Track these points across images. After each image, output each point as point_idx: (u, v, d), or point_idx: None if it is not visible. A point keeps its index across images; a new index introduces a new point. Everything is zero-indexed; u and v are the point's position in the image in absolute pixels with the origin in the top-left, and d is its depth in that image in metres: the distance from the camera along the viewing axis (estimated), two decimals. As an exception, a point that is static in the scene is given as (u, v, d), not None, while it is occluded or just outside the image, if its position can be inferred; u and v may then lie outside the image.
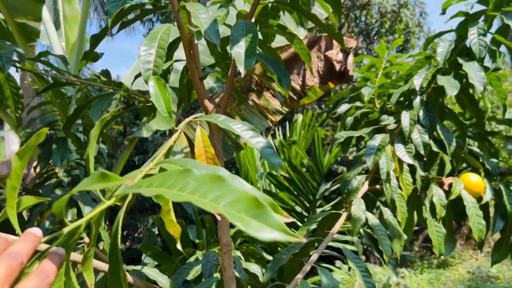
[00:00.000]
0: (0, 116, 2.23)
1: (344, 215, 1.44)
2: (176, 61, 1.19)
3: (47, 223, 1.77)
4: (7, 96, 1.45)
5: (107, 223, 2.32)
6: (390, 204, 1.44)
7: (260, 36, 1.66)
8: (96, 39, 1.06)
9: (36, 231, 0.47)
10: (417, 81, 1.51)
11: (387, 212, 1.43)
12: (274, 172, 3.24)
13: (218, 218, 0.81)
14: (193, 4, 1.01)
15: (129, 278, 1.03)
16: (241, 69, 0.90)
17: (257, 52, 1.16)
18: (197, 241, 2.36)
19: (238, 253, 2.23)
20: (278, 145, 3.31)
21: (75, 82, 1.20)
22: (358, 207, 1.39)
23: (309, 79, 2.02)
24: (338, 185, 1.78)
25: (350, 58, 1.89)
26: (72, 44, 2.66)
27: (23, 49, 2.17)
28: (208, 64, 2.18)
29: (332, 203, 2.43)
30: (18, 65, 1.38)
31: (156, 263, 2.71)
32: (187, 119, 0.76)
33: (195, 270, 1.71)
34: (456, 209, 1.67)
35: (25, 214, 2.12)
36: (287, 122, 4.33)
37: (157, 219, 2.68)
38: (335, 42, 1.96)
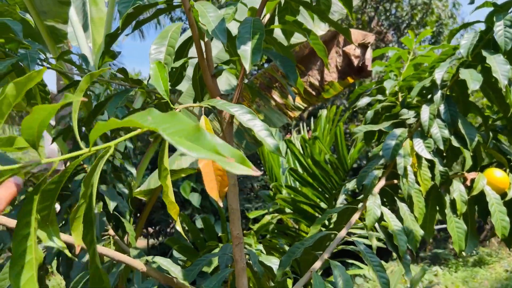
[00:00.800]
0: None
1: (360, 210, 1.43)
2: (189, 58, 1.21)
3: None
4: (34, 94, 1.52)
5: (133, 215, 2.39)
6: (407, 200, 1.42)
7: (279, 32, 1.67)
8: (111, 38, 1.10)
9: (16, 179, 0.48)
10: (438, 75, 1.48)
11: (403, 208, 1.41)
12: (299, 169, 3.25)
13: (220, 204, 0.83)
14: (202, 2, 1.03)
15: (143, 268, 1.06)
16: (247, 66, 0.92)
17: (267, 47, 1.17)
18: (220, 234, 2.40)
19: (260, 247, 2.26)
20: (300, 141, 3.31)
21: (94, 80, 1.25)
22: (373, 201, 1.38)
23: (328, 74, 2.02)
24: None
25: (369, 53, 1.87)
26: (98, 45, 2.74)
27: (52, 50, 2.26)
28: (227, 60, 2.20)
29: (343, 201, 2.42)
30: (46, 64, 1.44)
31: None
32: (186, 105, 0.79)
33: (215, 262, 1.74)
34: (480, 205, 1.62)
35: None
36: (312, 118, 4.31)
37: (184, 215, 2.74)
38: (353, 36, 1.94)
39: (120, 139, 0.56)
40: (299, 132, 6.33)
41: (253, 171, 0.48)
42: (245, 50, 0.94)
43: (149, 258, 1.30)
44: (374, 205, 1.37)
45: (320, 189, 3.06)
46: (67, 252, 0.53)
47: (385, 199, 1.58)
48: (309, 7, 1.10)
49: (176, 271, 1.08)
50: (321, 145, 3.13)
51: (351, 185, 1.98)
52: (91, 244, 0.51)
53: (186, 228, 2.66)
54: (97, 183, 0.50)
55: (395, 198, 1.46)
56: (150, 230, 9.23)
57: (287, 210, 3.17)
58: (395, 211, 1.49)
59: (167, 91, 0.73)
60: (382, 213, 1.38)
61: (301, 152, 3.10)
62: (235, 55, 1.29)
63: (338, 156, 2.96)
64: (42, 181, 0.48)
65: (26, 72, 1.34)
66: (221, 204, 0.87)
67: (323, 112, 3.53)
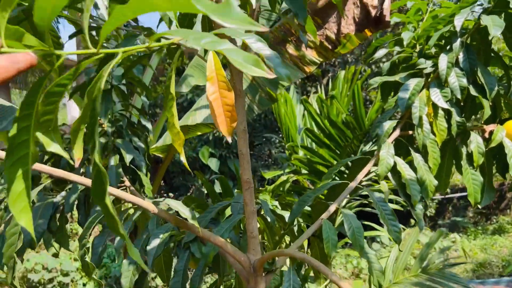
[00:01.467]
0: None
1: (374, 159, 1.42)
2: None
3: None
4: (46, 38, 1.53)
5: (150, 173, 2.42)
6: (422, 150, 1.39)
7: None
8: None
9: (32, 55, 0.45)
10: (458, 22, 1.42)
11: (417, 158, 1.39)
12: (315, 129, 3.22)
13: (229, 140, 0.83)
14: None
15: (154, 209, 1.08)
16: (253, 1, 0.89)
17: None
18: (236, 191, 2.43)
19: (276, 203, 2.28)
20: (317, 101, 3.27)
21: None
22: (387, 151, 1.36)
23: (344, 27, 1.96)
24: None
25: (387, 2, 1.80)
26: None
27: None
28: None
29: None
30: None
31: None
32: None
33: (228, 212, 1.77)
34: (499, 159, 1.59)
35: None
36: (330, 80, 4.24)
37: (200, 174, 2.77)
38: (372, -14, 1.87)
39: (131, 48, 0.55)
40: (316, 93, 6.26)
41: (268, 74, 0.48)
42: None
43: (161, 200, 1.32)
44: (387, 154, 1.35)
45: (336, 150, 3.04)
46: (69, 161, 0.54)
47: (399, 151, 1.55)
48: None
49: (186, 213, 1.09)
50: (338, 105, 3.08)
51: (368, 146, 1.96)
52: (93, 150, 0.51)
53: (205, 191, 2.70)
54: (101, 92, 0.50)
55: (410, 148, 1.43)
56: (171, 195, 9.43)
57: (303, 171, 3.18)
58: (410, 162, 1.47)
59: None
60: (395, 163, 1.36)
61: (318, 112, 3.07)
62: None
63: (355, 116, 2.92)
64: (48, 76, 0.48)
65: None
66: (229, 140, 0.86)
67: (341, 73, 3.46)
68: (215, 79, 0.80)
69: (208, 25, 1.21)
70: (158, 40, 0.58)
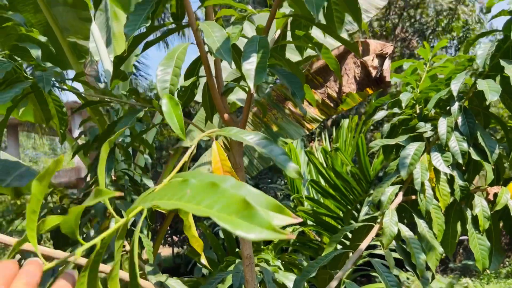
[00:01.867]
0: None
1: (377, 227, 1.40)
2: (199, 77, 1.22)
3: (92, 232, 1.88)
4: (53, 115, 1.57)
5: (154, 224, 2.40)
6: (425, 216, 1.38)
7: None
8: (119, 60, 1.12)
9: (38, 260, 0.50)
10: (455, 86, 1.44)
11: (421, 224, 1.37)
12: (321, 180, 3.21)
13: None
14: (208, 22, 1.04)
15: (152, 289, 1.07)
16: (251, 85, 0.91)
17: (274, 65, 1.17)
18: (237, 250, 2.40)
19: (278, 263, 2.24)
20: (321, 152, 3.27)
21: (107, 100, 1.28)
22: (390, 218, 1.35)
23: (345, 85, 1.99)
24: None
25: (387, 63, 1.84)
26: (116, 55, 2.79)
27: (74, 66, 2.32)
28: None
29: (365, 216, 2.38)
30: (63, 86, 1.48)
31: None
32: (201, 135, 0.79)
33: (229, 280, 1.73)
34: (506, 220, 1.56)
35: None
36: (334, 128, 4.26)
37: (204, 226, 2.75)
38: (371, 48, 1.91)
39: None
40: (322, 139, 6.28)
41: (294, 219, 0.47)
42: (249, 70, 0.94)
43: (164, 276, 1.31)
44: (391, 222, 1.33)
45: (342, 201, 3.01)
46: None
47: (403, 214, 1.54)
48: (317, 25, 1.09)
49: (185, 293, 1.07)
50: (343, 157, 3.08)
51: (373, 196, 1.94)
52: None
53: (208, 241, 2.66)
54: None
55: (413, 214, 1.41)
56: (175, 238, 9.31)
57: (309, 222, 3.14)
58: (414, 227, 1.45)
59: (182, 129, 0.73)
60: (399, 230, 1.35)
61: (323, 163, 3.06)
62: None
63: (360, 167, 2.91)
64: (89, 261, 0.50)
65: (43, 94, 1.38)
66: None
67: (345, 122, 3.48)
68: (221, 170, 0.81)
69: (210, 104, 1.24)
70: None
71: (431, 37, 7.56)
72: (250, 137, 0.76)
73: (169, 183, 0.47)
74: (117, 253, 0.60)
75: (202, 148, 7.58)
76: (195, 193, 0.40)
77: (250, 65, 0.94)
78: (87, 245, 0.55)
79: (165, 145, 8.55)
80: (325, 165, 3.00)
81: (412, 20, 7.58)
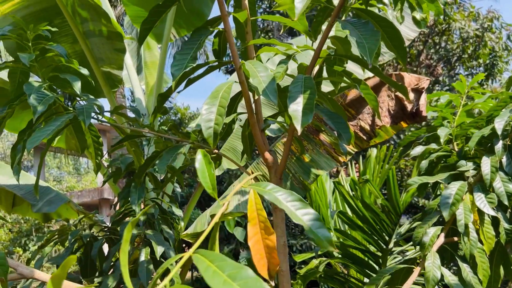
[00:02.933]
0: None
1: (417, 270, 1.34)
2: (239, 114, 1.21)
3: (122, 262, 1.86)
4: (89, 144, 1.58)
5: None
6: (470, 260, 1.32)
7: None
8: (163, 97, 1.12)
9: None
10: (499, 124, 1.39)
11: (466, 269, 1.31)
12: (348, 211, 3.15)
13: (272, 284, 0.80)
14: (252, 62, 1.03)
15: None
16: (298, 127, 0.90)
17: (317, 103, 1.15)
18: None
19: (307, 298, 2.17)
20: (350, 183, 3.22)
21: (145, 134, 1.28)
22: (432, 262, 1.29)
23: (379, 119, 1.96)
24: (416, 224, 1.68)
25: (423, 98, 1.80)
26: (151, 87, 2.84)
27: (107, 95, 2.36)
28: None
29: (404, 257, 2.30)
30: (100, 117, 1.50)
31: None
32: (234, 190, 0.77)
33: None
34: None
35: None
36: (361, 157, 4.20)
37: (226, 254, 2.71)
38: (406, 81, 1.88)
39: None
40: (348, 167, 6.20)
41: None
42: (296, 111, 0.92)
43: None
44: (433, 266, 1.28)
45: (370, 233, 2.93)
46: None
47: (443, 255, 1.48)
48: (358, 61, 1.07)
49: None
50: (372, 188, 3.02)
51: (403, 228, 1.87)
52: None
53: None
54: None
55: (456, 257, 1.35)
56: (195, 263, 9.23)
57: (336, 254, 3.06)
58: (456, 270, 1.39)
59: (215, 187, 0.71)
60: (442, 275, 1.29)
61: (350, 193, 3.01)
62: (284, 109, 1.28)
63: (390, 199, 2.84)
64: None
65: (82, 126, 1.40)
66: (272, 284, 0.83)
67: (373, 152, 3.43)
68: (257, 219, 0.78)
69: (249, 140, 1.22)
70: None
71: (456, 64, 7.48)
72: (284, 196, 0.72)
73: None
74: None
75: (225, 172, 7.58)
76: None
77: (296, 106, 0.93)
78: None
79: (188, 168, 8.59)
80: (353, 196, 2.95)
81: (437, 47, 7.52)
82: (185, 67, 0.97)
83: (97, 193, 10.91)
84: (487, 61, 7.25)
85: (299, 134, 0.90)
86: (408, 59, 8.01)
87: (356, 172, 4.63)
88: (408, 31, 2.64)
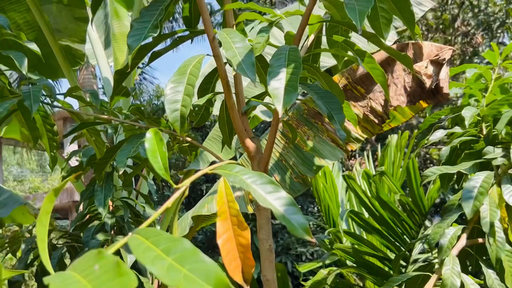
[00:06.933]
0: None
1: (434, 277, 1.37)
2: (216, 94, 1.23)
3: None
4: (41, 134, 1.60)
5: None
6: (496, 265, 1.34)
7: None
8: (120, 75, 1.14)
9: None
10: (532, 102, 1.41)
11: (491, 276, 1.34)
12: (364, 210, 3.18)
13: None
14: (227, 30, 1.05)
15: None
16: (279, 107, 0.92)
17: (307, 81, 1.17)
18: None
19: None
20: (363, 177, 3.24)
21: (105, 120, 1.30)
22: (451, 268, 1.32)
23: (393, 97, 1.97)
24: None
25: (444, 71, 1.81)
26: (121, 63, 2.85)
27: (67, 74, 2.37)
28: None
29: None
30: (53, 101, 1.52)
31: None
32: (193, 176, 0.79)
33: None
34: None
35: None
36: (379, 144, 4.22)
37: (221, 265, 2.75)
38: (425, 51, 1.89)
39: None
40: (364, 158, 6.21)
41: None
42: (277, 89, 0.94)
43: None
44: (452, 272, 1.30)
45: (390, 237, 2.96)
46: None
47: (467, 261, 1.50)
48: (357, 31, 1.09)
49: None
50: (390, 183, 3.04)
51: (429, 231, 1.89)
52: None
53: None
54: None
55: (480, 262, 1.38)
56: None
57: (348, 262, 3.10)
58: (481, 278, 1.42)
59: (166, 168, 0.73)
60: (462, 283, 1.31)
61: (366, 190, 3.03)
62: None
63: (412, 196, 2.86)
64: None
65: (30, 112, 1.42)
66: None
67: (393, 139, 3.44)
68: (227, 213, 0.80)
69: (228, 125, 1.24)
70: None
71: (499, 31, 7.43)
72: (253, 179, 0.73)
73: (87, 254, 0.49)
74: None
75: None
76: (102, 273, 0.43)
77: (278, 83, 0.94)
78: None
79: (174, 163, 8.63)
80: (368, 193, 2.97)
81: (476, 11, 7.48)
82: (145, 37, 0.99)
83: (66, 194, 10.96)
84: (537, 27, 7.21)
85: (280, 115, 0.92)
86: (441, 26, 7.98)
87: (375, 164, 4.65)
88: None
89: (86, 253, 0.46)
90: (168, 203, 0.70)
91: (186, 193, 0.76)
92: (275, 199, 0.66)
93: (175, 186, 0.73)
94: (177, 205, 1.80)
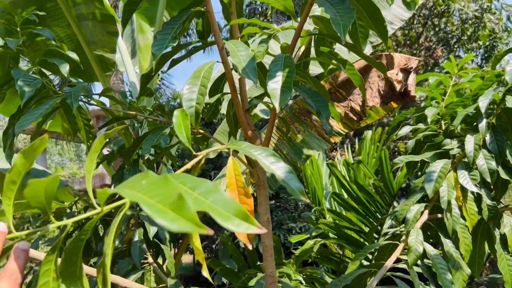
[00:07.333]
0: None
1: (401, 246, 1.38)
2: (224, 94, 1.23)
3: (116, 242, 1.90)
4: (80, 127, 1.60)
5: (176, 244, 2.42)
6: (452, 235, 1.35)
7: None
8: (146, 79, 1.14)
9: (23, 245, 0.48)
10: (483, 103, 1.41)
11: (448, 244, 1.34)
12: (344, 192, 3.18)
13: (249, 247, 0.83)
14: (233, 41, 1.05)
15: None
16: (276, 104, 0.92)
17: (299, 84, 1.17)
18: (258, 263, 2.39)
19: (300, 277, 2.22)
20: (343, 165, 3.24)
21: (132, 115, 1.30)
22: (415, 238, 1.32)
23: (369, 99, 1.97)
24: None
25: (411, 78, 1.81)
26: (145, 70, 2.85)
27: (100, 79, 2.37)
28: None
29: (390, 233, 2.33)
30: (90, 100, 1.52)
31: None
32: (212, 149, 0.80)
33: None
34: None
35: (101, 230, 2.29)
36: (356, 139, 4.22)
37: (225, 237, 2.76)
38: (395, 61, 1.89)
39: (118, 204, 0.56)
40: (344, 150, 6.22)
41: (259, 229, 0.46)
42: (275, 89, 0.94)
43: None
44: (416, 241, 1.31)
45: (365, 214, 2.97)
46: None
47: (429, 233, 1.51)
48: (337, 39, 1.09)
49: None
50: (366, 169, 3.05)
51: (397, 209, 1.90)
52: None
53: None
54: (114, 242, 0.51)
55: (439, 233, 1.39)
56: (196, 247, 9.33)
57: (331, 234, 3.11)
58: (440, 246, 1.42)
59: (189, 138, 0.74)
60: (424, 250, 1.32)
61: (345, 176, 3.04)
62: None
63: (383, 180, 2.87)
64: (58, 241, 0.50)
65: (71, 109, 1.42)
66: (249, 247, 0.86)
67: (368, 134, 3.45)
68: (235, 185, 0.81)
69: (234, 120, 1.25)
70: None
71: (456, 46, 7.43)
72: (258, 152, 0.75)
73: (133, 176, 0.48)
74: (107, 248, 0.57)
75: (225, 157, 7.61)
76: (149, 185, 0.42)
77: (275, 84, 0.94)
78: (58, 223, 0.54)
79: (188, 153, 8.63)
80: (347, 178, 2.98)
81: (437, 29, 7.47)
82: (166, 46, 0.99)
83: (98, 179, 10.97)
84: (487, 43, 7.20)
85: (277, 112, 0.93)
86: (408, 42, 7.96)
87: (353, 155, 4.65)
88: (402, 11, 2.63)
89: (132, 176, 0.45)
90: (188, 165, 0.71)
91: (203, 161, 0.77)
92: (277, 168, 0.67)
93: (194, 153, 0.74)
94: (195, 172, 1.80)
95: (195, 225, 0.37)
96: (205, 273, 0.81)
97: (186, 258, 10.95)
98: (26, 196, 0.46)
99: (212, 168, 8.30)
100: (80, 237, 0.51)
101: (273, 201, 7.74)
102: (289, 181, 0.71)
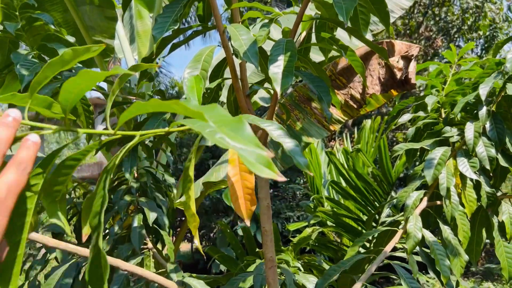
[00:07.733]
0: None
1: (400, 232, 1.38)
2: (224, 79, 1.23)
3: (116, 228, 1.91)
4: (79, 113, 1.60)
5: (176, 231, 2.42)
6: (451, 222, 1.36)
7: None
8: (146, 62, 1.13)
9: (34, 137, 0.46)
10: (483, 91, 1.41)
11: (446, 231, 1.35)
12: (342, 181, 3.19)
13: (247, 223, 0.83)
14: (235, 25, 1.04)
15: (176, 289, 1.08)
16: (278, 88, 0.91)
17: (300, 67, 1.16)
18: (257, 250, 2.40)
19: (298, 264, 2.24)
20: (342, 153, 3.25)
21: (131, 100, 1.30)
22: (414, 224, 1.33)
23: (369, 86, 1.97)
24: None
25: (412, 65, 1.81)
26: (144, 56, 2.83)
27: (99, 64, 2.35)
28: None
29: (390, 219, 2.34)
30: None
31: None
32: None
33: (250, 280, 1.74)
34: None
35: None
36: (355, 128, 4.22)
37: (223, 224, 2.77)
38: (396, 48, 1.88)
39: (148, 132, 0.57)
40: (343, 138, 6.22)
41: (278, 177, 0.47)
42: (276, 73, 0.94)
43: (185, 275, 1.32)
44: (415, 228, 1.32)
45: (363, 202, 2.99)
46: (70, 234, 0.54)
47: (428, 220, 1.52)
48: (343, 27, 1.08)
49: (207, 292, 1.09)
50: (364, 159, 3.05)
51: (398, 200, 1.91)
52: (96, 229, 0.50)
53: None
54: (114, 170, 0.51)
55: (438, 220, 1.39)
56: (195, 235, 9.37)
57: (329, 223, 3.13)
58: (438, 233, 1.43)
59: (200, 101, 0.73)
60: (423, 236, 1.33)
61: (344, 164, 3.04)
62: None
63: (382, 169, 2.88)
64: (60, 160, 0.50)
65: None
66: (248, 223, 0.86)
67: (367, 123, 3.45)
68: (237, 161, 0.81)
69: (234, 105, 1.24)
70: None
71: (456, 36, 7.41)
72: (266, 124, 0.75)
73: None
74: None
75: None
76: (200, 108, 0.42)
77: (277, 68, 0.94)
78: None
79: (186, 142, 8.63)
80: (346, 166, 2.98)
81: (437, 19, 7.43)
82: (167, 29, 0.98)
83: (96, 167, 10.97)
84: (487, 33, 7.17)
85: (279, 96, 0.92)
86: (408, 31, 7.93)
87: (352, 144, 4.66)
88: (403, 0, 2.62)
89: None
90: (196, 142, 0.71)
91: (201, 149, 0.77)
92: (285, 141, 0.67)
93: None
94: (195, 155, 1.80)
95: (256, 146, 0.38)
96: (197, 242, 0.81)
97: (184, 247, 11.02)
98: (62, 90, 0.46)
99: (210, 157, 8.30)
100: (76, 156, 0.51)
101: (271, 190, 7.76)
102: (295, 155, 0.71)
